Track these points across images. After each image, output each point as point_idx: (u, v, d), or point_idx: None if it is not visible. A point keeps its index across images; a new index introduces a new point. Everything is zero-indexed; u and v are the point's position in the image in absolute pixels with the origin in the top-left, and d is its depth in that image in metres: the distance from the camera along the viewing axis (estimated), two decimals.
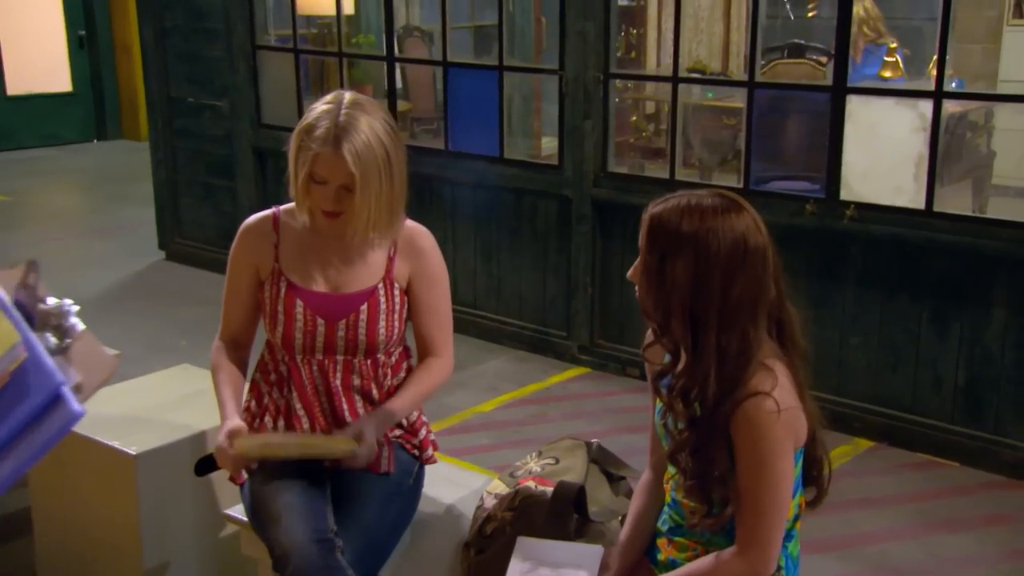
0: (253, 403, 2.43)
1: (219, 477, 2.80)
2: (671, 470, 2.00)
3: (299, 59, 5.77)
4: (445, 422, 4.21)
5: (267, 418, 2.38)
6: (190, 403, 3.07)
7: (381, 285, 2.37)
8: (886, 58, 6.14)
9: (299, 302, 2.33)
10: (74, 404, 0.91)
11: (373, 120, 2.23)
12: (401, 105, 6.24)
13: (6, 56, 10.39)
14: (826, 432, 1.99)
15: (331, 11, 5.72)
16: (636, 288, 1.91)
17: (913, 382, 4.02)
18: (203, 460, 2.91)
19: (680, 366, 1.88)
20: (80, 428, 2.95)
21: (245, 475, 2.34)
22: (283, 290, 2.34)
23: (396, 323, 2.39)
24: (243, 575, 2.84)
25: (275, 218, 2.40)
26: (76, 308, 1.09)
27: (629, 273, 1.92)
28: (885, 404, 4.07)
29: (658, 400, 1.99)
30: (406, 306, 2.43)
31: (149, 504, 2.82)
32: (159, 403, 3.09)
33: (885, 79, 6.05)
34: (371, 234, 2.30)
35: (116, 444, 2.82)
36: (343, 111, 2.23)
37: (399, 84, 6.79)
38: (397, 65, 5.95)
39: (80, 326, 1.08)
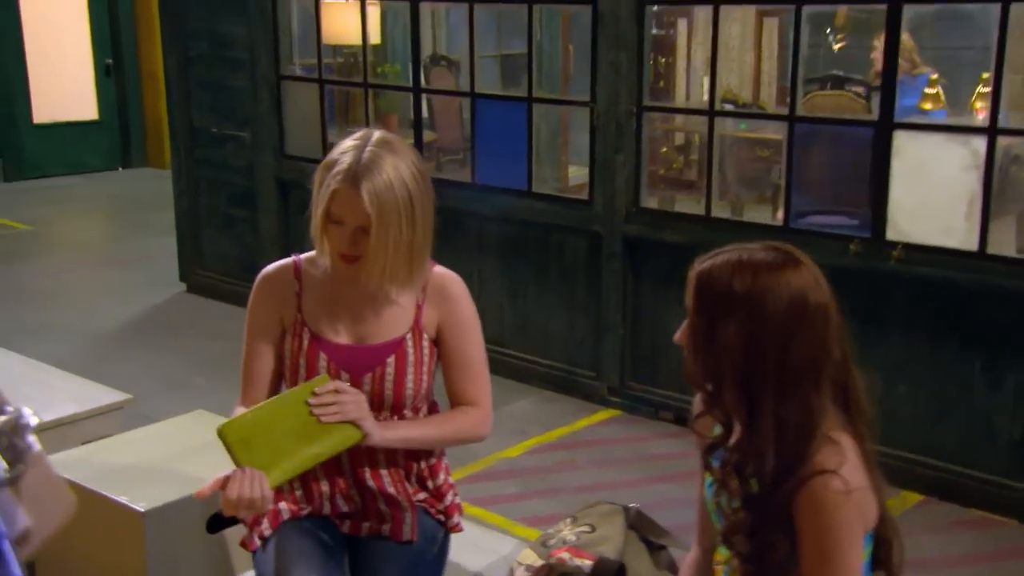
0: None
1: (233, 537, 2.63)
2: (723, 552, 1.80)
3: (324, 89, 5.64)
4: (470, 468, 4.01)
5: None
6: (203, 453, 2.89)
7: (409, 335, 2.19)
8: (927, 90, 5.93)
9: (323, 355, 2.15)
10: (14, 568, 0.71)
11: (399, 161, 2.06)
12: (427, 135, 6.09)
13: (33, 85, 10.31)
14: None
15: (357, 41, 5.59)
16: (684, 353, 1.72)
17: (965, 433, 3.80)
18: (216, 516, 2.73)
19: (734, 439, 1.69)
20: (87, 481, 2.80)
21: (258, 542, 2.15)
22: (306, 342, 2.16)
23: (425, 376, 2.21)
24: None
25: (296, 266, 2.23)
26: (35, 421, 0.89)
27: (676, 336, 1.73)
28: (935, 456, 3.84)
29: (708, 474, 1.79)
30: (435, 358, 2.25)
31: (158, 563, 2.64)
32: (170, 454, 2.92)
33: (925, 111, 5.86)
34: (388, 285, 2.12)
35: (124, 500, 2.66)
36: (368, 148, 2.07)
37: (424, 114, 6.65)
38: (424, 95, 5.81)
39: (36, 447, 0.88)
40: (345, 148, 2.08)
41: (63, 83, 10.54)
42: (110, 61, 10.81)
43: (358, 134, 2.11)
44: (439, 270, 2.26)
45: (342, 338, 2.17)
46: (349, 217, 2.05)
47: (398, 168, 2.05)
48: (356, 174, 2.03)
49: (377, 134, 2.11)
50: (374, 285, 2.13)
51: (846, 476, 1.60)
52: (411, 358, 2.18)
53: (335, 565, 2.04)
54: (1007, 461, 3.74)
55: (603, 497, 3.81)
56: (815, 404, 1.64)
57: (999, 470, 3.75)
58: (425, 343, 2.20)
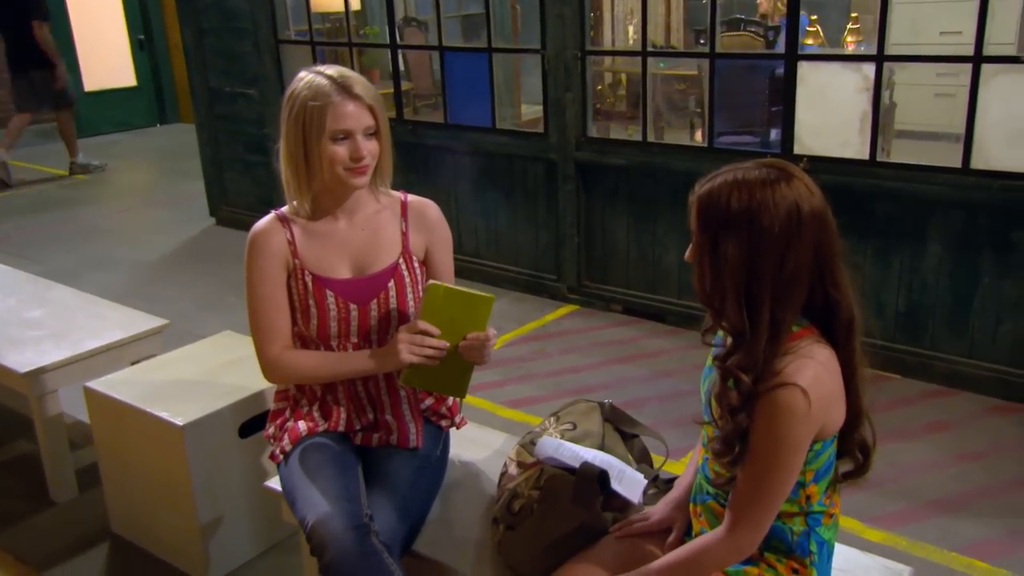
0: (293, 389, 1.93)
1: (265, 445, 2.34)
2: (703, 434, 1.52)
3: (315, 50, 5.15)
4: None
5: (304, 404, 1.90)
6: (232, 369, 2.59)
7: (402, 260, 1.87)
8: (808, 28, 5.60)
9: (329, 292, 1.82)
10: None
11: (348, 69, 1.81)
12: (404, 85, 5.62)
13: (81, 60, 9.67)
14: None
15: (340, 8, 5.09)
16: (692, 271, 1.42)
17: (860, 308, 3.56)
18: (246, 424, 2.46)
19: (740, 346, 1.39)
20: (135, 400, 2.47)
21: (280, 456, 1.86)
22: (310, 284, 1.82)
23: (420, 294, 1.90)
24: (293, 526, 2.40)
25: (280, 217, 1.87)
26: None
27: (686, 256, 1.43)
28: None
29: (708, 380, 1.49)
30: (424, 277, 1.93)
31: (199, 465, 2.36)
32: (204, 371, 2.61)
33: (808, 46, 5.52)
34: (382, 185, 1.85)
35: (165, 415, 2.35)
36: (326, 69, 1.77)
37: (401, 67, 6.20)
38: (399, 51, 5.34)
39: None
40: (307, 82, 1.75)
41: (105, 57, 9.92)
42: (142, 37, 10.13)
43: (300, 75, 1.79)
44: (414, 198, 1.93)
45: (342, 273, 1.85)
46: (355, 124, 1.72)
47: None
48: (343, 84, 1.72)
49: (316, 67, 1.80)
50: (385, 180, 1.85)
51: (810, 390, 1.31)
52: (407, 280, 1.87)
53: (352, 475, 1.75)
54: (893, 328, 3.52)
55: (569, 380, 3.57)
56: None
57: (887, 336, 3.53)
58: (416, 265, 1.89)
